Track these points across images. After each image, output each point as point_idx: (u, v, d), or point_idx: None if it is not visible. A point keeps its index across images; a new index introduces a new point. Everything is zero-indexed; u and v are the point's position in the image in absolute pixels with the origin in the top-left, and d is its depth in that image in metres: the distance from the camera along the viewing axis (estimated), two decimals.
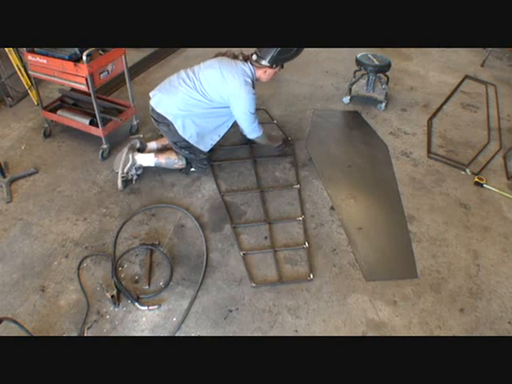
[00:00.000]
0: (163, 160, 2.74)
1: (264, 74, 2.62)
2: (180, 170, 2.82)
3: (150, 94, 2.63)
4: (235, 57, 2.64)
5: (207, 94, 2.52)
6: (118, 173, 2.69)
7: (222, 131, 2.74)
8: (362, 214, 2.64)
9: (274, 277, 2.24)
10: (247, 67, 2.57)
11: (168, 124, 2.58)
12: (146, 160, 2.73)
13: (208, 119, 2.62)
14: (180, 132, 2.58)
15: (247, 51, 2.66)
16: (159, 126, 2.65)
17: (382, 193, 2.78)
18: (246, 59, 2.61)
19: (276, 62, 2.56)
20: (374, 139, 3.23)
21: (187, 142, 2.63)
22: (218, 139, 2.75)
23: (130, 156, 2.68)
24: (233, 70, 2.52)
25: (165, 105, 2.55)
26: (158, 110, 2.56)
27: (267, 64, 2.55)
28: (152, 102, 2.59)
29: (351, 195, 2.74)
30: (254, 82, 2.62)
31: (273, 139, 2.93)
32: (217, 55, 2.70)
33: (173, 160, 2.74)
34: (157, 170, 2.84)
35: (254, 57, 2.57)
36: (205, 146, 2.71)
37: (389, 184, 2.83)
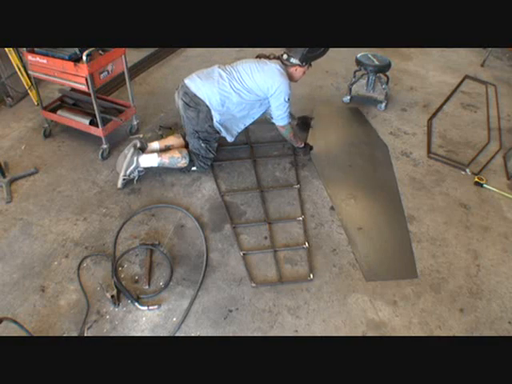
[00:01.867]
0: (166, 159, 2.74)
1: (295, 71, 2.74)
2: (181, 169, 2.82)
3: (186, 80, 2.66)
4: (266, 57, 2.76)
5: (247, 85, 2.62)
6: (119, 174, 2.69)
7: (248, 121, 2.86)
8: (362, 214, 2.64)
9: (274, 277, 2.24)
10: (278, 65, 2.67)
11: (199, 110, 2.62)
12: (150, 161, 2.73)
13: (241, 109, 2.71)
14: (215, 119, 2.65)
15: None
16: (187, 111, 2.65)
17: (383, 193, 2.78)
18: (277, 58, 2.73)
19: (306, 61, 2.69)
20: (374, 139, 3.23)
21: (209, 134, 2.69)
22: (243, 128, 2.87)
23: (135, 159, 2.68)
24: (268, 63, 2.68)
25: (206, 90, 2.59)
26: (199, 95, 2.59)
27: (298, 62, 2.68)
28: (192, 87, 2.61)
29: (351, 195, 2.73)
30: None
31: (297, 138, 2.95)
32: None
33: (176, 158, 2.74)
34: (157, 170, 2.84)
35: (285, 56, 2.70)
36: (231, 136, 2.82)
37: (389, 184, 2.83)
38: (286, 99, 2.67)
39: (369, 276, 2.25)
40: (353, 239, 2.44)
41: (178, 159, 2.74)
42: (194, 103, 2.61)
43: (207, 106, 2.60)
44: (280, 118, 2.75)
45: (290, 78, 2.74)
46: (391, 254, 2.39)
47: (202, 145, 2.72)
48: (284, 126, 2.80)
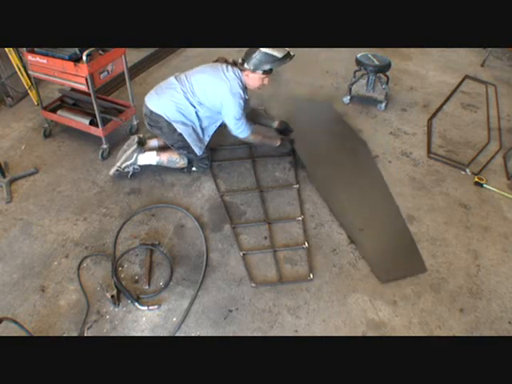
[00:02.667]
0: (165, 159, 2.75)
1: (247, 77, 2.61)
2: (181, 170, 2.82)
3: (146, 97, 2.66)
4: (226, 61, 2.68)
5: (199, 97, 2.58)
6: (115, 163, 2.72)
7: (211, 131, 2.80)
8: (362, 214, 2.63)
9: (274, 277, 2.24)
10: (236, 71, 2.59)
11: (161, 127, 2.62)
12: (148, 159, 2.74)
13: (202, 121, 2.69)
14: (180, 130, 2.60)
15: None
16: (153, 129, 2.70)
17: (372, 189, 2.77)
18: (236, 63, 2.64)
19: (257, 67, 2.53)
20: (351, 135, 3.22)
21: (183, 141, 2.65)
22: (208, 140, 2.81)
23: (135, 155, 2.70)
24: (222, 75, 2.57)
25: (162, 105, 2.58)
26: (156, 111, 2.58)
27: (247, 67, 2.55)
28: (149, 104, 2.61)
29: (343, 195, 2.72)
30: (244, 87, 2.63)
31: (269, 140, 2.91)
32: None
33: (175, 159, 2.75)
34: (157, 170, 2.84)
35: (240, 60, 2.60)
36: (199, 149, 2.72)
37: (376, 180, 2.83)
38: (237, 117, 2.58)
39: (383, 278, 2.22)
40: (357, 240, 2.42)
41: (177, 160, 2.75)
42: (154, 121, 2.62)
43: (166, 121, 2.58)
44: (238, 132, 2.67)
45: (247, 84, 2.64)
46: (397, 253, 2.40)
47: (184, 151, 2.71)
48: (245, 138, 2.73)
